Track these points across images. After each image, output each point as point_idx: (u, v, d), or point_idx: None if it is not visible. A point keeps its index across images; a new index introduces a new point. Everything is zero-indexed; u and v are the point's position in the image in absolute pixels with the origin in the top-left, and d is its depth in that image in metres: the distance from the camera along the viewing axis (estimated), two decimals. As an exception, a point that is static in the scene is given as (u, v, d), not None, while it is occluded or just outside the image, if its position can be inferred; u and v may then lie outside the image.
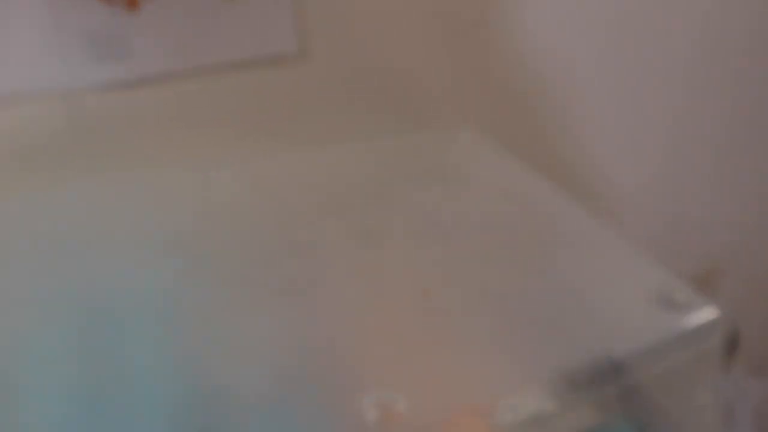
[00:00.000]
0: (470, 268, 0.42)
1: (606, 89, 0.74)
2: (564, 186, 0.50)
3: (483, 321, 0.39)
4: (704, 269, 1.05)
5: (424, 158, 0.54)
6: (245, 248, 0.45)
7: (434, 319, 0.39)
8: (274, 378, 0.36)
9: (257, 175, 0.52)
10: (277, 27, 0.58)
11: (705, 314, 0.39)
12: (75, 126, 0.54)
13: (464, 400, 0.36)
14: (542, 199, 0.49)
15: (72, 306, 0.40)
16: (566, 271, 0.42)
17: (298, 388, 0.36)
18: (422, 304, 0.40)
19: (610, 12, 0.70)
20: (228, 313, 0.40)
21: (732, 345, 0.68)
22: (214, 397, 0.35)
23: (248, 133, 0.57)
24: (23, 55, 0.52)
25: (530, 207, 0.48)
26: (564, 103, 0.71)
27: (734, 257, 1.04)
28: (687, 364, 0.42)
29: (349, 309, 0.40)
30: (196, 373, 0.37)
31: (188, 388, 0.36)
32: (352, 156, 0.54)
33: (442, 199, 0.48)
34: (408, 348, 0.38)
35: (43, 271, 0.42)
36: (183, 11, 0.54)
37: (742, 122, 0.88)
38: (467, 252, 0.44)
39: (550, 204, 0.48)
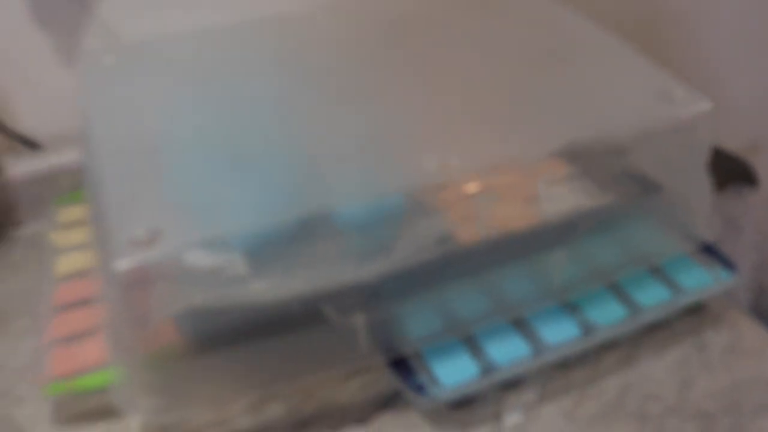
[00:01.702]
0: (502, 72, 0.56)
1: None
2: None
3: (511, 110, 0.52)
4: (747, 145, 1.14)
5: None
6: (347, 69, 0.59)
7: (476, 108, 0.53)
8: (359, 145, 0.50)
9: (350, 14, 0.65)
10: None
11: (700, 107, 0.51)
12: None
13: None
14: (574, 27, 0.61)
15: (221, 104, 0.55)
16: (584, 75, 0.55)
17: (377, 152, 0.50)
18: (464, 97, 0.54)
19: None
20: (328, 108, 0.54)
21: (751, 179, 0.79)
22: (313, 160, 0.50)
23: None
24: None
25: (561, 33, 0.61)
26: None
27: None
28: (682, 152, 0.54)
29: (414, 102, 0.54)
30: (302, 144, 0.51)
31: (295, 153, 0.51)
32: None
33: (485, 24, 0.61)
34: (459, 126, 0.52)
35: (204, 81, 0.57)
36: None
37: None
38: (501, 62, 0.57)
39: (580, 30, 0.61)
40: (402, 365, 0.49)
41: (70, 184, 0.71)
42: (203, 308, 0.45)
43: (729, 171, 0.63)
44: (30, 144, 0.71)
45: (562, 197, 0.55)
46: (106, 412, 0.50)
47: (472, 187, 0.51)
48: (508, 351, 0.49)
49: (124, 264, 0.41)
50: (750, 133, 1.14)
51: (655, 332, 0.53)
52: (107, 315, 0.52)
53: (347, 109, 0.54)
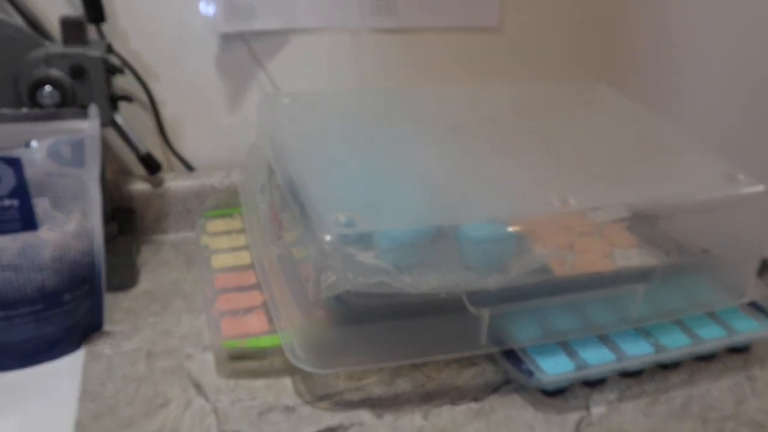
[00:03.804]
0: (597, 150, 0.71)
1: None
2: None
3: (600, 178, 0.67)
4: None
5: (571, 96, 0.83)
6: (471, 133, 0.74)
7: (574, 174, 0.67)
8: (482, 181, 0.64)
9: (468, 95, 0.82)
10: (488, 9, 0.88)
11: (758, 188, 0.65)
12: (356, 49, 0.85)
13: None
14: (655, 123, 0.77)
15: (377, 136, 0.70)
16: (666, 159, 0.70)
17: (517, 193, 0.64)
18: (572, 163, 0.68)
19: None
20: (460, 152, 0.69)
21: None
22: (447, 187, 0.64)
23: (462, 71, 0.88)
24: (334, 8, 0.83)
25: (645, 127, 0.76)
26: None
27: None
28: (739, 223, 0.68)
29: (529, 161, 0.68)
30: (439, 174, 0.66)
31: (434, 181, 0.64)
32: (530, 91, 0.84)
33: (582, 114, 0.77)
34: (559, 183, 0.66)
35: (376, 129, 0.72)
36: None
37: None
38: (598, 143, 0.72)
39: (661, 126, 0.76)
40: (512, 355, 0.61)
41: (214, 203, 0.85)
42: (360, 291, 0.58)
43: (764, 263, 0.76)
44: (188, 167, 0.85)
45: (631, 257, 0.69)
46: (261, 372, 0.62)
47: (564, 234, 0.66)
48: (596, 356, 0.61)
49: (328, 237, 0.54)
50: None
51: (711, 364, 0.65)
52: (272, 294, 0.65)
53: (477, 155, 0.69)
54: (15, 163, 0.54)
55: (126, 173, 0.84)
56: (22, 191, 0.55)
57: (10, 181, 0.55)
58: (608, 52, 0.96)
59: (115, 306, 0.70)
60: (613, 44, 0.96)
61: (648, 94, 0.99)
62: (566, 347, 0.62)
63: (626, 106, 0.83)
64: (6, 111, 0.54)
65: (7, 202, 0.55)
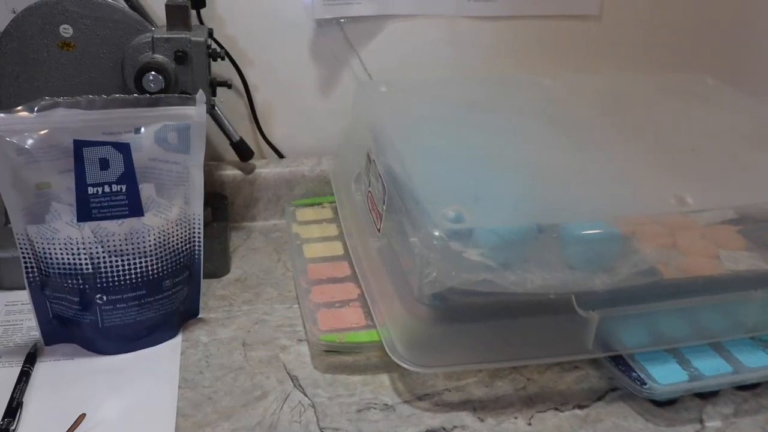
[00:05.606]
0: (701, 145, 0.67)
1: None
2: None
3: (705, 175, 0.63)
4: None
5: (677, 88, 0.79)
6: (574, 124, 0.71)
7: (679, 169, 0.64)
8: (598, 193, 0.61)
9: (569, 84, 0.79)
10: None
11: None
12: (452, 36, 0.83)
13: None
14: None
15: (476, 127, 0.67)
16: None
17: (622, 190, 0.61)
18: (681, 159, 0.65)
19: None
20: (571, 151, 0.66)
21: None
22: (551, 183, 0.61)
23: (559, 60, 0.85)
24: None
25: (758, 120, 0.72)
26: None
27: None
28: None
29: (631, 157, 0.65)
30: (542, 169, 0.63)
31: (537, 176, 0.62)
32: (633, 82, 0.80)
33: (689, 107, 0.73)
34: (663, 180, 0.62)
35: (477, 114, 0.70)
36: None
37: None
38: (701, 137, 0.69)
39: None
40: (620, 362, 0.58)
41: (303, 191, 0.84)
42: (464, 288, 0.56)
43: None
44: (279, 154, 0.84)
45: (740, 259, 0.65)
46: (357, 367, 0.61)
47: (666, 234, 0.62)
48: (711, 366, 0.58)
49: (437, 232, 0.52)
50: None
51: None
52: (371, 288, 0.64)
53: (580, 147, 0.66)
54: (124, 149, 0.54)
55: (217, 159, 0.84)
56: (130, 177, 0.55)
57: (119, 166, 0.54)
58: (711, 42, 0.91)
59: (210, 293, 0.70)
60: (717, 34, 0.91)
61: (755, 88, 0.94)
62: (677, 355, 0.59)
63: (736, 99, 0.79)
64: (118, 96, 0.53)
65: (115, 188, 0.55)
